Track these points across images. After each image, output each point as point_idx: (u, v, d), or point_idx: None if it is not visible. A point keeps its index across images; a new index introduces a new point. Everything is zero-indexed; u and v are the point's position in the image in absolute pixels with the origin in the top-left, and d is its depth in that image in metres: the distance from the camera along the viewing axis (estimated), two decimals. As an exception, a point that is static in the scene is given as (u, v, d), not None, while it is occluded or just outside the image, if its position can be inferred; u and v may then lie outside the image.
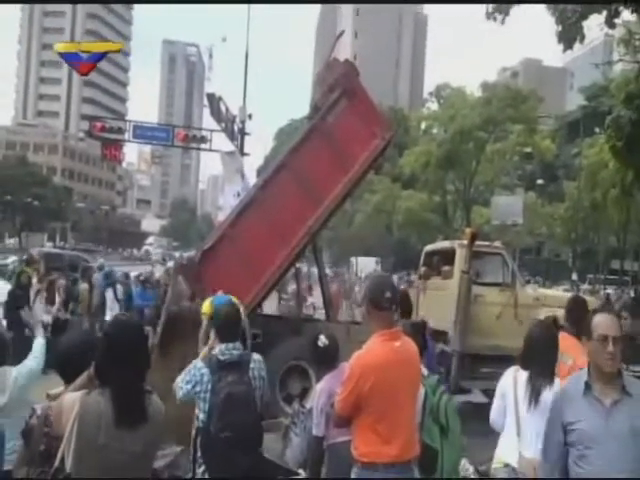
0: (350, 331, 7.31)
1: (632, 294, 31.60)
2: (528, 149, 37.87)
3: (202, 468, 3.51)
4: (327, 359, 4.05)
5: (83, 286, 12.97)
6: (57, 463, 2.33)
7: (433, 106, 48.92)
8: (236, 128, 21.27)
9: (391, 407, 3.07)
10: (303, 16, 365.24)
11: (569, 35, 13.57)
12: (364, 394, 3.05)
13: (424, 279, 10.07)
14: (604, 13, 13.30)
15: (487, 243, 10.30)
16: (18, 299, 9.98)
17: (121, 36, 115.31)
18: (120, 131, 21.07)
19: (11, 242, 65.13)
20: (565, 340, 3.93)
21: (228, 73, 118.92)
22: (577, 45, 14.38)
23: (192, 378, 3.52)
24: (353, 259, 45.66)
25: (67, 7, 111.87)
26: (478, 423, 4.55)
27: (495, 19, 13.69)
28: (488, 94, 40.72)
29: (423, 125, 50.01)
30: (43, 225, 70.84)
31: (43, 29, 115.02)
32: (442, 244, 11.70)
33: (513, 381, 3.70)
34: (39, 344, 3.68)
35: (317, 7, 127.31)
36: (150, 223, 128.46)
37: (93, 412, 2.33)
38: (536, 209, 39.30)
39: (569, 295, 8.64)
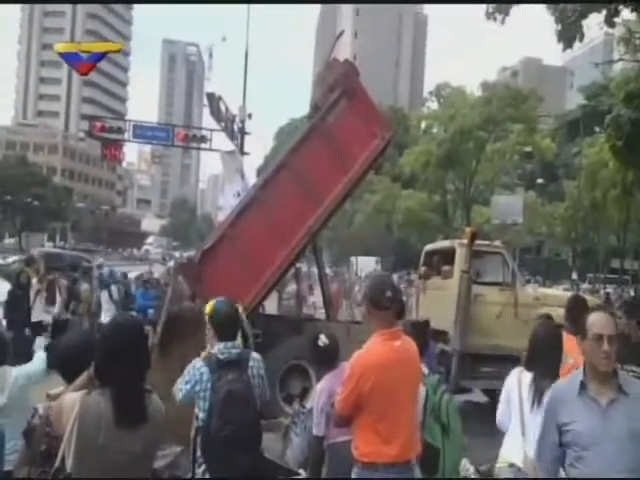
0: (350, 331, 7.31)
1: (632, 293, 31.65)
2: (528, 148, 37.87)
3: (202, 468, 3.50)
4: (327, 359, 4.06)
5: (84, 286, 12.96)
6: (58, 463, 2.34)
7: (433, 105, 49.05)
8: (236, 128, 21.28)
9: (391, 407, 3.06)
10: (303, 16, 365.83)
11: (569, 34, 13.56)
12: (364, 394, 3.04)
13: (424, 279, 10.08)
14: (604, 12, 13.30)
15: (487, 242, 10.30)
16: (18, 299, 9.99)
17: (121, 36, 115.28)
18: (120, 131, 21.06)
19: (11, 242, 65.10)
20: (569, 341, 3.93)
21: (228, 73, 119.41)
22: (577, 44, 14.38)
23: (191, 378, 3.52)
24: (353, 259, 45.65)
25: (67, 7, 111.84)
26: (478, 423, 4.55)
27: (495, 19, 13.69)
28: (488, 93, 40.75)
29: (423, 125, 50.02)
30: (43, 225, 70.84)
31: (43, 29, 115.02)
32: (442, 243, 11.70)
33: (517, 382, 3.71)
34: (39, 358, 3.67)
35: (317, 7, 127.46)
36: (150, 223, 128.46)
37: (93, 412, 2.33)
38: (536, 208, 39.30)
39: (569, 294, 8.64)
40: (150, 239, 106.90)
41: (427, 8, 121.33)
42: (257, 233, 7.59)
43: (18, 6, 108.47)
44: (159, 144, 33.26)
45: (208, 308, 4.04)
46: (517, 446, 3.59)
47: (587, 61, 46.92)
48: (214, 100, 19.65)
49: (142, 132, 21.50)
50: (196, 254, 7.79)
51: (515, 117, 38.68)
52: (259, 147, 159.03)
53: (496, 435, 3.93)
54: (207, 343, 4.16)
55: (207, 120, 26.32)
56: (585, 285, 40.34)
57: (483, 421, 4.16)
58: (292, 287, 13.22)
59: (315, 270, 12.60)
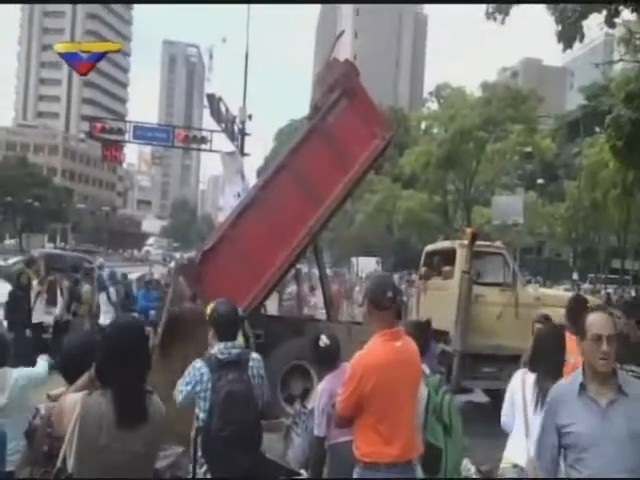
0: (351, 331, 7.31)
1: (633, 293, 31.64)
2: (528, 149, 37.86)
3: (204, 468, 3.51)
4: (328, 359, 4.06)
5: (86, 287, 12.95)
6: (59, 464, 2.34)
7: (433, 106, 48.94)
8: (236, 128, 21.28)
9: (392, 407, 3.06)
10: (303, 16, 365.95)
11: (569, 34, 13.59)
12: (366, 394, 3.04)
13: (425, 279, 10.07)
14: (604, 12, 13.33)
15: (488, 243, 10.30)
16: (19, 300, 10.00)
17: (121, 36, 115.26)
18: (120, 132, 21.05)
19: (12, 243, 65.09)
20: (570, 341, 3.93)
21: (228, 73, 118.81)
22: (577, 44, 14.41)
23: (192, 379, 3.52)
24: (354, 259, 45.62)
25: (67, 7, 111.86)
26: (479, 423, 4.55)
27: (495, 19, 13.72)
28: (488, 94, 40.71)
29: (423, 125, 49.96)
30: (43, 226, 70.80)
31: (43, 30, 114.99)
32: (443, 244, 11.69)
33: (522, 383, 3.73)
34: (42, 364, 3.68)
35: (317, 7, 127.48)
36: (150, 224, 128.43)
37: (94, 413, 2.33)
38: (536, 209, 39.27)
39: (570, 294, 8.64)
40: (150, 240, 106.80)
41: (427, 8, 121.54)
42: (257, 234, 7.58)
43: (18, 6, 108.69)
44: (159, 145, 33.26)
45: (208, 309, 4.05)
46: (521, 447, 3.60)
47: (587, 61, 46.96)
48: (214, 101, 19.66)
49: (142, 133, 21.50)
50: (196, 255, 7.78)
51: (515, 117, 38.65)
52: (259, 148, 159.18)
53: (497, 435, 3.94)
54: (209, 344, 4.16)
55: (207, 121, 26.39)
56: (586, 285, 40.28)
57: (484, 421, 4.16)
58: (293, 288, 13.23)
59: (316, 271, 12.60)
